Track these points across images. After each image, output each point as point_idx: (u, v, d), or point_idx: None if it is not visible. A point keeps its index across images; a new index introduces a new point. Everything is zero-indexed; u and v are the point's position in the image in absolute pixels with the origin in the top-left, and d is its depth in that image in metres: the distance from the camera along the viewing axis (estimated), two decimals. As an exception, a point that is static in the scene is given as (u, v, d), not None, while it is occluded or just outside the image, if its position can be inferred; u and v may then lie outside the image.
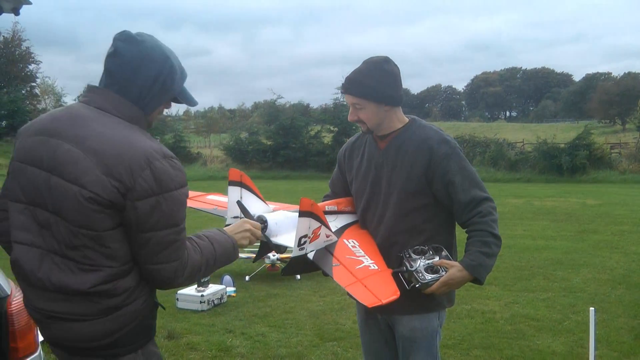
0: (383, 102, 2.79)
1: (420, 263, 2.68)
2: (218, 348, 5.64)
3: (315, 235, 2.60)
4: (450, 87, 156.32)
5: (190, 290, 7.13)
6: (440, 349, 5.45)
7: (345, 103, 32.23)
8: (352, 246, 2.74)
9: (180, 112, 74.04)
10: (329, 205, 3.01)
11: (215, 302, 7.15)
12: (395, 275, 2.68)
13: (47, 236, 2.06)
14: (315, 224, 2.58)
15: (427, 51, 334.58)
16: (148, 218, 2.01)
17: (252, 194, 2.84)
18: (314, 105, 35.74)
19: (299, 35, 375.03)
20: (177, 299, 7.11)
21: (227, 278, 7.92)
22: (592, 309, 3.91)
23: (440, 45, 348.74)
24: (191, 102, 2.36)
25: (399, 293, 2.47)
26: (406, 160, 2.81)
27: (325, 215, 2.87)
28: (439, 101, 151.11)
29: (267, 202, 3.01)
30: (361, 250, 2.72)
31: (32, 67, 47.46)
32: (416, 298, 2.72)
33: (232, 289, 7.79)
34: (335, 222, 2.93)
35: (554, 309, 6.84)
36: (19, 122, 37.50)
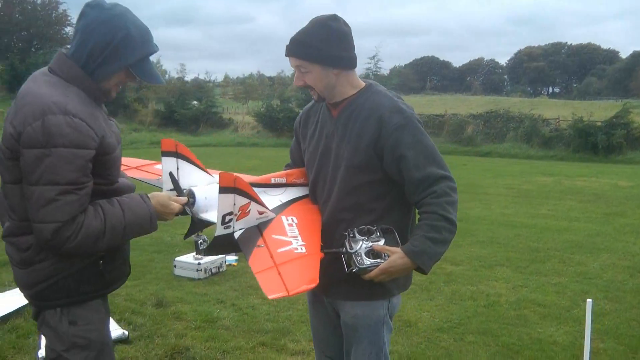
0: (330, 65, 2.48)
1: (363, 245, 2.40)
2: (204, 319, 5.45)
3: (244, 212, 2.34)
4: (492, 60, 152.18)
5: (188, 257, 6.97)
6: (433, 332, 5.25)
7: (378, 72, 32.04)
8: (288, 224, 2.47)
9: (219, 78, 74.44)
10: (275, 177, 2.73)
11: (213, 270, 6.96)
12: (331, 256, 2.42)
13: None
14: (242, 200, 2.32)
15: (470, 24, 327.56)
16: (33, 169, 2.06)
17: (190, 164, 2.57)
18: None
19: (341, 5, 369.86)
20: (175, 266, 6.95)
21: (230, 246, 7.71)
22: (589, 300, 3.60)
23: (483, 18, 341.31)
24: (148, 77, 2.36)
25: (316, 282, 2.17)
26: (354, 131, 2.51)
27: (272, 188, 2.63)
28: (481, 75, 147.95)
29: (211, 171, 2.75)
30: (296, 230, 2.43)
31: (68, 29, 47.58)
32: (359, 283, 2.44)
33: (234, 257, 7.57)
34: (281, 196, 2.66)
35: (564, 295, 6.47)
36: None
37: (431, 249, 2.36)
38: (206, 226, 2.57)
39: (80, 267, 2.29)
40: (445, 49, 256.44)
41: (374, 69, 31.56)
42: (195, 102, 38.29)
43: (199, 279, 6.72)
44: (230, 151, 26.90)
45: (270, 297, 2.09)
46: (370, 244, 2.39)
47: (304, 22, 2.50)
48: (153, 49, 2.31)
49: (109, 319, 2.55)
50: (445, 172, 2.43)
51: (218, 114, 37.94)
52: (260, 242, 2.34)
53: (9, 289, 5.72)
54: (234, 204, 2.29)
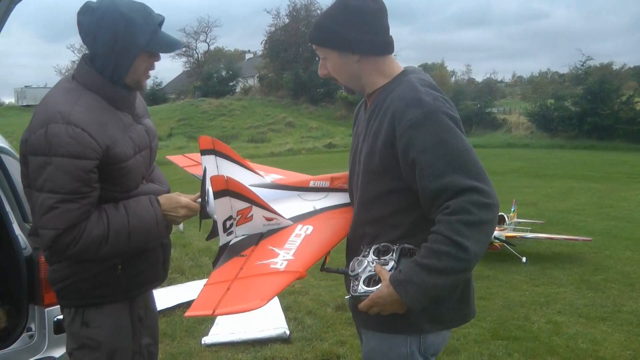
0: (349, 50, 2.07)
1: (367, 268, 1.96)
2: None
3: (244, 217, 2.07)
4: None
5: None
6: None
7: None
8: (295, 234, 2.11)
9: (507, 78, 72.54)
10: (317, 180, 2.40)
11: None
12: (331, 272, 2.14)
13: None
14: (240, 204, 2.05)
15: None
16: (37, 176, 2.07)
17: (231, 162, 2.34)
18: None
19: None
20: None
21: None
22: None
23: None
24: (166, 48, 2.25)
25: (260, 305, 1.76)
26: (372, 129, 2.07)
27: (310, 193, 2.33)
28: None
29: (259, 170, 2.51)
30: (298, 242, 2.06)
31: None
32: None
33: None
34: (317, 202, 2.32)
35: None
36: (333, 88, 40.29)
37: (420, 279, 1.83)
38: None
39: (97, 272, 2.28)
40: None
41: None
42: (477, 103, 37.55)
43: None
44: (497, 153, 25.90)
45: (187, 314, 1.82)
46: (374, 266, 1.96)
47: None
48: (158, 20, 2.21)
49: (131, 324, 2.45)
50: (474, 183, 1.85)
51: (492, 115, 36.87)
52: (247, 251, 2.05)
53: (206, 279, 6.07)
54: (231, 207, 2.04)
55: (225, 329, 5.01)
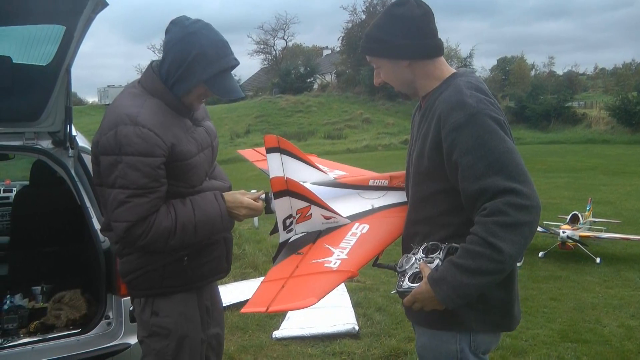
0: (397, 57, 2.13)
1: (414, 265, 2.03)
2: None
3: (304, 215, 2.16)
4: None
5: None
6: None
7: None
8: (351, 233, 2.19)
9: (589, 70, 69.90)
10: (376, 179, 2.46)
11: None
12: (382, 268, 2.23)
13: None
14: (300, 203, 2.14)
15: None
16: (109, 174, 2.25)
17: (295, 160, 2.42)
18: None
19: None
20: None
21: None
22: None
23: None
24: (222, 93, 2.36)
25: (313, 302, 1.83)
26: (422, 132, 2.13)
27: (369, 191, 2.41)
28: None
29: (323, 166, 2.62)
30: (354, 240, 2.14)
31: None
32: None
33: (518, 263, 7.09)
34: (376, 200, 2.39)
35: None
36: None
37: (454, 278, 1.88)
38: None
39: (164, 263, 2.44)
40: None
41: None
42: (556, 97, 36.19)
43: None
44: (576, 149, 25.15)
45: (243, 311, 1.92)
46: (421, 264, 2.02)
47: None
48: (229, 64, 2.33)
49: (199, 313, 2.59)
50: (513, 184, 1.87)
51: (571, 109, 35.63)
52: (305, 249, 2.14)
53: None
54: (291, 207, 2.15)
55: (296, 324, 5.13)
